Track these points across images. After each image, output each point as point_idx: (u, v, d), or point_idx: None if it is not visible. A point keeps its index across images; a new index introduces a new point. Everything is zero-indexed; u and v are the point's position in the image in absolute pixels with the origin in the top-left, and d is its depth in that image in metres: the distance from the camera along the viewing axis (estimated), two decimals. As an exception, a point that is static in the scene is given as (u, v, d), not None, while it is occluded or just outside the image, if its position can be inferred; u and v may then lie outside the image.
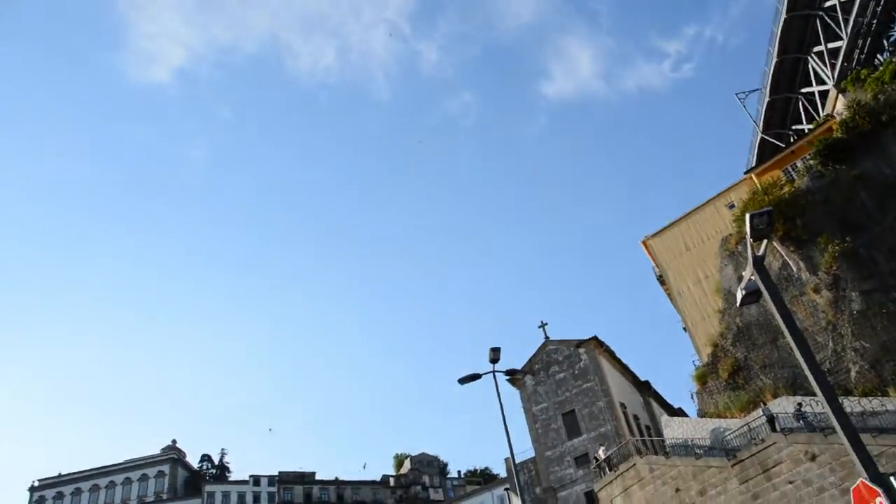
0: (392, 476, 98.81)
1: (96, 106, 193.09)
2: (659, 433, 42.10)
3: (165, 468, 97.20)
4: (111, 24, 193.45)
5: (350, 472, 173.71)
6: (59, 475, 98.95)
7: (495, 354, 24.70)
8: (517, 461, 29.39)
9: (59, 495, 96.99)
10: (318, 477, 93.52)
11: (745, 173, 43.40)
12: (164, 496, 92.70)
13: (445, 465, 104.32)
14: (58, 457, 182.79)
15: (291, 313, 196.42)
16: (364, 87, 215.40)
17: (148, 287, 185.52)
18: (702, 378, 38.33)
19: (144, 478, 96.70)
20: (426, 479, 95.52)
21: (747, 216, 12.14)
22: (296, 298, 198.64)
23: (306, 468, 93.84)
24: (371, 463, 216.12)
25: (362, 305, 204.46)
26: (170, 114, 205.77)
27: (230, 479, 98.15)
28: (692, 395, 39.64)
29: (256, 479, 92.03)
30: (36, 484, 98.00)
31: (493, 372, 24.96)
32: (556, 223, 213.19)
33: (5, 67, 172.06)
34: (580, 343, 46.84)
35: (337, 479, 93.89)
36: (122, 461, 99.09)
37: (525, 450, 47.24)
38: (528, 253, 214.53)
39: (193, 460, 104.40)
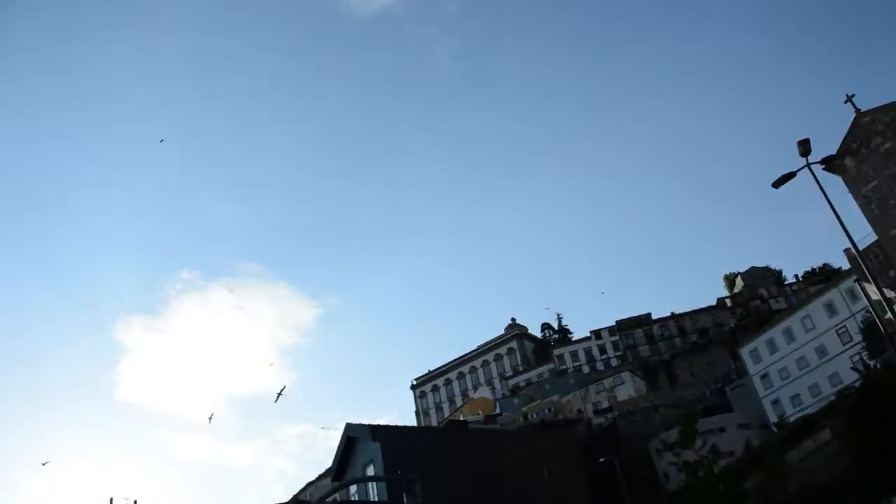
0: (726, 297, 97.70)
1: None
2: None
3: (513, 344, 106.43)
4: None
5: (683, 304, 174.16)
6: (429, 371, 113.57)
7: (805, 147, 23.29)
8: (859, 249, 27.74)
9: (435, 388, 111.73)
10: (653, 317, 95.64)
11: None
12: (520, 368, 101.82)
13: (779, 272, 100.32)
14: (426, 356, 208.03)
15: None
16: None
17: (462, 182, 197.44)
18: None
19: (498, 357, 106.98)
20: (763, 291, 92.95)
21: None
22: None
23: (641, 311, 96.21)
24: (699, 292, 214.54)
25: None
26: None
27: (573, 339, 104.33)
28: None
29: (597, 334, 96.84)
30: (414, 382, 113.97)
31: (808, 165, 23.64)
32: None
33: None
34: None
35: (672, 313, 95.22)
36: (475, 347, 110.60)
37: (864, 236, 43.74)
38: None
39: (535, 331, 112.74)
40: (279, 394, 48.04)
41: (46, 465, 61.00)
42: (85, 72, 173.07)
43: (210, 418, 60.07)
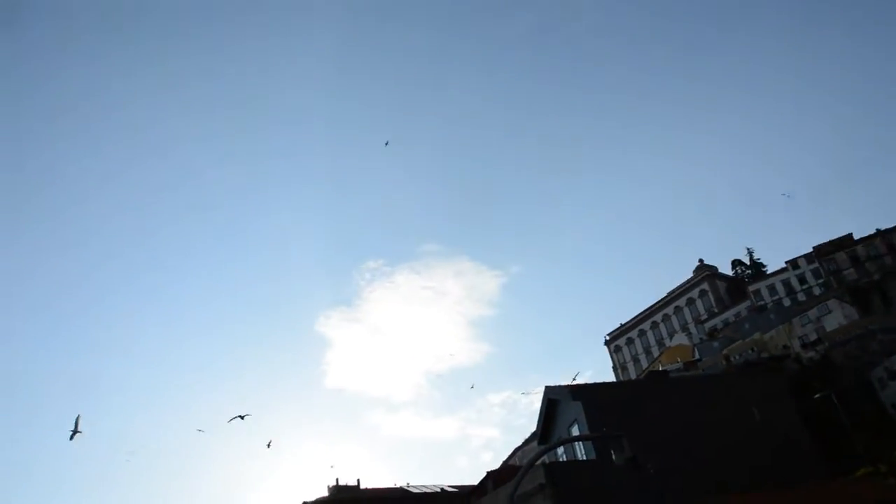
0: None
1: None
2: None
3: (704, 286, 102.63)
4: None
5: (888, 219, 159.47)
6: (621, 325, 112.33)
7: None
8: None
9: (629, 340, 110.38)
10: (855, 237, 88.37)
11: None
12: (714, 310, 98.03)
13: None
14: (616, 311, 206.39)
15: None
16: None
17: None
18: None
19: (690, 301, 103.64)
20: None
21: None
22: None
23: (839, 234, 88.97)
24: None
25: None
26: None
27: (767, 273, 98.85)
28: None
29: (794, 263, 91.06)
30: (607, 338, 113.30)
31: None
32: None
33: None
34: None
35: (878, 230, 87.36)
36: (664, 295, 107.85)
37: None
38: None
39: (725, 270, 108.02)
40: (239, 417, 48.40)
41: (270, 445, 66.39)
42: (254, 77, 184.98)
43: (269, 444, 63.43)
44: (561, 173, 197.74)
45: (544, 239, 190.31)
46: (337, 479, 52.60)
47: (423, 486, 49.82)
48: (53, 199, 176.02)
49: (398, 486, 51.63)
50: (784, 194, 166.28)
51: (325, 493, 51.27)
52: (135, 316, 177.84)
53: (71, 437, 40.58)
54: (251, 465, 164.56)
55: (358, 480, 53.34)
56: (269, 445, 67.63)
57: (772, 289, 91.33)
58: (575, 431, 32.20)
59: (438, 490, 47.31)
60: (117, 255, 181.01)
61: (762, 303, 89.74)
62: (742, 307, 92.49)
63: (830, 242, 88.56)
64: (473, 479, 50.15)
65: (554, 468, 28.92)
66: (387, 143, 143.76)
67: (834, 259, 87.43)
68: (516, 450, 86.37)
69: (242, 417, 47.28)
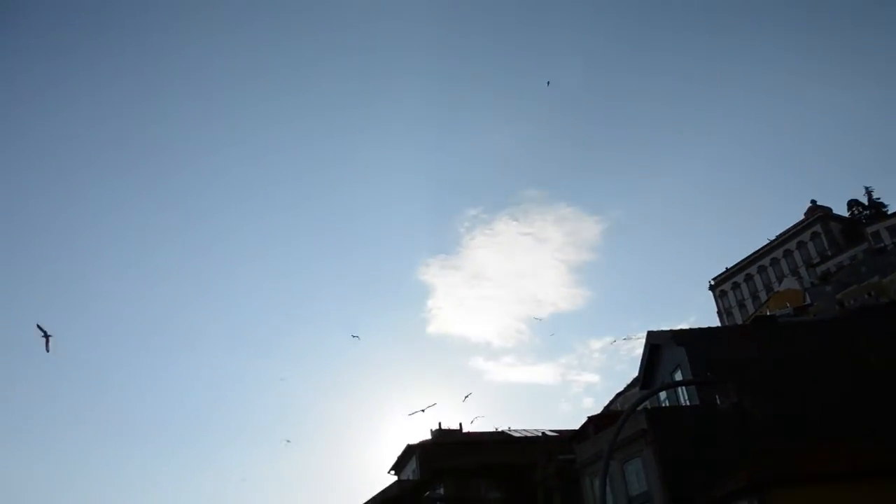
0: None
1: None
2: None
3: (816, 228, 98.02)
4: None
5: None
6: (727, 269, 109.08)
7: None
8: None
9: (735, 285, 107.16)
10: None
11: None
12: (828, 253, 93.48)
13: None
14: (721, 255, 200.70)
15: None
16: None
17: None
18: None
19: (801, 244, 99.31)
20: None
21: None
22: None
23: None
24: None
25: None
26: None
27: (888, 213, 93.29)
28: None
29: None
30: (712, 282, 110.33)
31: None
32: None
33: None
34: None
35: None
36: (773, 238, 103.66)
37: None
38: None
39: (840, 211, 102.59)
40: None
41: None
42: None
43: (288, 441, 62.96)
44: (664, 112, 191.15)
45: (646, 182, 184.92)
46: (439, 424, 53.99)
47: (525, 430, 50.47)
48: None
49: (499, 430, 52.50)
50: None
51: (429, 437, 52.74)
52: (237, 261, 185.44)
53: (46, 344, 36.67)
54: (359, 411, 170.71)
55: (460, 424, 54.60)
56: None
57: (892, 230, 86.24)
58: (678, 377, 31.67)
59: (539, 434, 47.82)
60: (233, 201, 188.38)
61: (882, 245, 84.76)
62: (858, 250, 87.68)
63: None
64: (574, 424, 50.32)
65: (656, 413, 28.64)
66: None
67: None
68: (617, 395, 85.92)
69: (356, 336, 48.88)
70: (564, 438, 42.27)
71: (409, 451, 51.63)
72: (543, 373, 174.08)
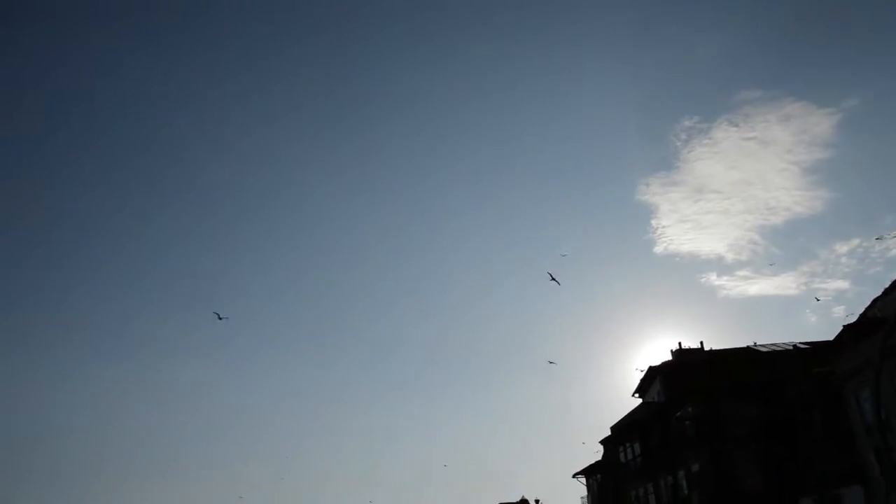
0: None
1: None
2: None
3: None
4: None
5: None
6: None
7: None
8: None
9: None
10: None
11: None
12: None
13: None
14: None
15: None
16: None
17: None
18: None
19: None
20: None
21: None
22: None
23: None
24: None
25: None
26: None
27: None
28: None
29: None
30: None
31: None
32: None
33: None
34: None
35: None
36: None
37: None
38: None
39: None
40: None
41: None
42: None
43: (552, 362, 59.71)
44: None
45: (884, 64, 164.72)
46: (679, 343, 53.46)
47: (773, 344, 48.60)
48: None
49: (744, 346, 50.96)
50: None
51: (669, 358, 52.57)
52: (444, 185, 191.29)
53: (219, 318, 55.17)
54: (592, 340, 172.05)
55: (701, 343, 53.71)
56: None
57: None
58: (948, 277, 29.03)
59: (790, 347, 45.81)
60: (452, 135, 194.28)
61: None
62: None
63: None
64: (824, 335, 47.48)
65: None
66: None
67: None
68: (875, 300, 79.39)
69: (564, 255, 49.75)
70: (818, 351, 40.50)
71: (652, 373, 51.90)
72: (784, 283, 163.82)
